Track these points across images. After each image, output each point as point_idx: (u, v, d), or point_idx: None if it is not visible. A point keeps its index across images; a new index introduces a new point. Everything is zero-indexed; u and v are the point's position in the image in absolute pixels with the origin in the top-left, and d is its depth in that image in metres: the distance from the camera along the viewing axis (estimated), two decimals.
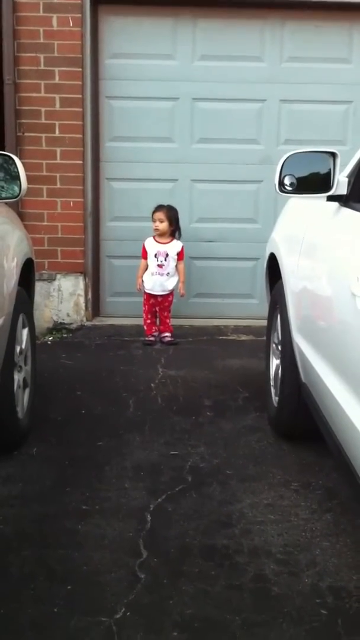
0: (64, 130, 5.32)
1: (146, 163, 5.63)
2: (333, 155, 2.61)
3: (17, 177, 2.89)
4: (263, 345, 3.93)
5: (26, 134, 5.31)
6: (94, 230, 5.62)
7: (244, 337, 5.34)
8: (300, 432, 3.24)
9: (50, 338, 5.32)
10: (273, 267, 3.55)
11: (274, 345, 3.58)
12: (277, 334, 3.45)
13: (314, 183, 2.66)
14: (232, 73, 5.50)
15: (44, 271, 5.39)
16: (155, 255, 5.12)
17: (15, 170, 2.89)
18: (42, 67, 5.23)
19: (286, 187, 2.72)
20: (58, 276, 5.52)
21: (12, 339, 3.03)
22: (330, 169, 2.60)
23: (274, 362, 3.55)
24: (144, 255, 5.18)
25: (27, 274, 3.41)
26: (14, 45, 5.17)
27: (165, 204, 5.21)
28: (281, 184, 2.72)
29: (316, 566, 2.31)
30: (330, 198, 2.64)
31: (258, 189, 5.65)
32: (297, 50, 5.50)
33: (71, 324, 5.56)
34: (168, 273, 5.14)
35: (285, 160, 2.73)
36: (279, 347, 3.38)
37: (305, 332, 2.83)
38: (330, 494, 2.81)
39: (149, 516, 2.62)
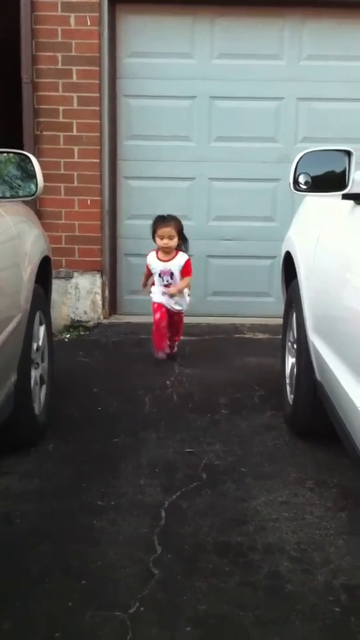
0: (81, 129, 5.35)
1: (164, 161, 5.64)
2: (348, 153, 2.61)
3: (34, 176, 2.91)
4: (279, 343, 3.93)
5: (44, 133, 5.35)
6: (111, 228, 5.65)
7: (260, 336, 5.34)
8: (316, 431, 3.24)
9: (68, 335, 5.36)
10: (289, 266, 3.55)
11: (289, 344, 3.59)
12: (293, 333, 3.45)
13: (329, 181, 2.66)
14: (250, 71, 5.50)
15: (61, 269, 5.43)
16: (160, 275, 4.49)
17: (32, 168, 2.91)
18: (60, 66, 5.27)
19: (301, 185, 2.72)
20: (75, 274, 5.55)
21: (29, 335, 3.06)
22: (345, 168, 2.60)
23: (290, 361, 3.55)
24: (149, 271, 4.58)
25: (44, 272, 3.44)
26: (32, 44, 5.21)
27: (165, 214, 4.50)
28: (296, 182, 2.72)
29: (330, 564, 2.32)
30: (346, 196, 2.64)
31: (275, 188, 5.64)
32: (315, 48, 5.48)
33: (88, 321, 5.59)
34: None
35: (299, 158, 2.72)
36: (295, 346, 3.39)
37: (321, 331, 2.83)
38: (345, 493, 2.81)
39: (163, 513, 2.64)
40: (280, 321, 3.90)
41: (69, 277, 5.54)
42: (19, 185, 2.90)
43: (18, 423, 2.99)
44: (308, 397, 3.14)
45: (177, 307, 4.55)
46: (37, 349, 3.26)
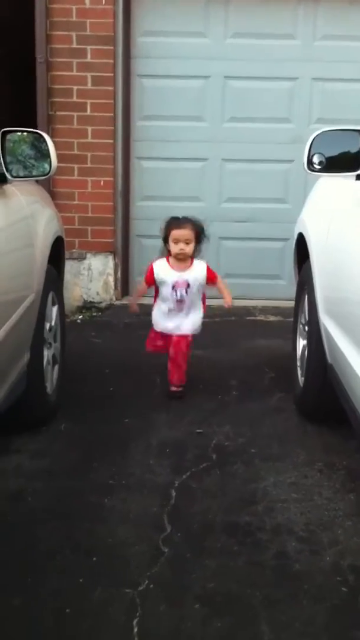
0: (95, 109, 5.32)
1: (177, 142, 5.61)
2: None
3: (48, 155, 2.90)
4: (290, 326, 3.92)
5: (58, 113, 5.33)
6: (124, 209, 5.64)
7: (271, 318, 5.33)
8: (326, 413, 3.25)
9: (80, 317, 5.37)
10: (301, 248, 3.53)
11: (300, 326, 3.58)
12: (304, 315, 3.44)
13: (343, 162, 2.65)
14: (264, 51, 5.44)
15: (74, 250, 5.43)
16: (174, 288, 3.58)
17: (46, 148, 2.90)
18: (74, 46, 5.23)
19: (315, 165, 2.71)
20: (88, 255, 5.56)
21: (42, 316, 3.08)
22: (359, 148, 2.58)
23: (301, 343, 3.55)
24: (149, 280, 3.66)
25: (57, 252, 3.44)
26: (46, 23, 5.17)
27: (180, 215, 3.62)
28: (310, 162, 2.71)
29: (338, 545, 2.33)
30: None
31: (289, 169, 5.60)
32: (330, 28, 5.41)
33: (100, 302, 5.60)
34: (189, 309, 3.67)
35: (314, 138, 2.71)
36: (306, 328, 3.38)
37: (332, 313, 2.83)
38: (354, 475, 2.82)
39: (173, 492, 2.66)
40: (291, 304, 3.89)
41: (81, 258, 5.54)
42: (33, 165, 2.88)
43: (30, 402, 3.01)
44: (318, 379, 3.14)
45: (189, 329, 3.70)
46: (50, 329, 3.28)
